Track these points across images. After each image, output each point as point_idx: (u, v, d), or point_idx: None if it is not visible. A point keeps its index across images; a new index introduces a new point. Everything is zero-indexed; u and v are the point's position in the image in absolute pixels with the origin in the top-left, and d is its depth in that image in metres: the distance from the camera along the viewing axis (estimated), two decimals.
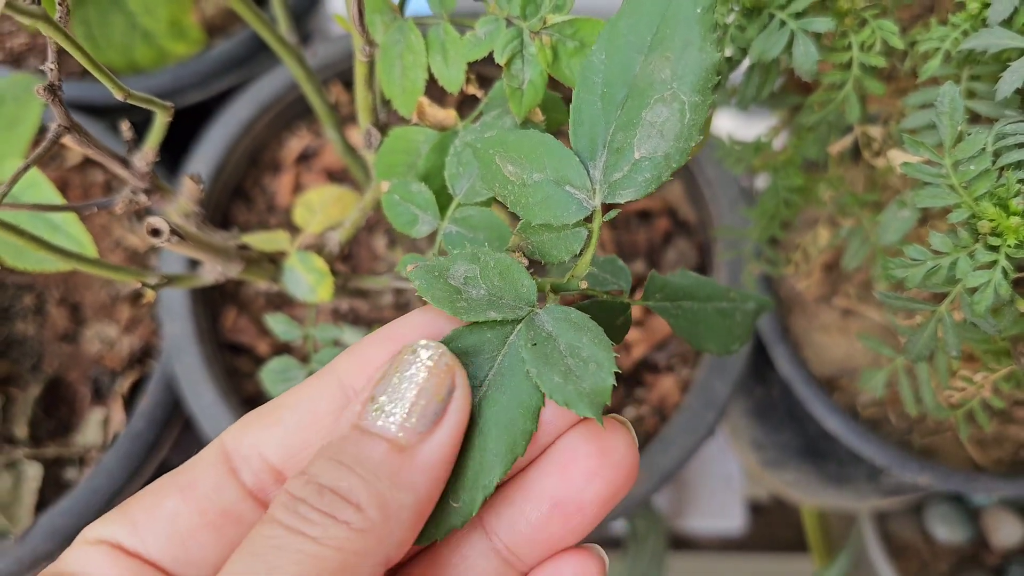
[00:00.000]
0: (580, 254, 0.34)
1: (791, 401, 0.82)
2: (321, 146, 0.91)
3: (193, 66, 0.92)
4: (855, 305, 0.79)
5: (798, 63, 0.45)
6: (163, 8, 0.93)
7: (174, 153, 0.87)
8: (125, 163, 0.48)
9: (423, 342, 0.31)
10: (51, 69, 0.40)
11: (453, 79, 0.40)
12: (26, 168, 0.41)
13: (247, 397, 0.78)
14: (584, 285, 0.34)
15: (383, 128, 0.47)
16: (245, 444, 0.33)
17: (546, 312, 0.32)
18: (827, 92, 0.49)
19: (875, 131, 0.54)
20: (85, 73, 0.37)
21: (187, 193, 0.48)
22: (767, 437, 1.00)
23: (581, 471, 0.31)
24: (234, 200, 0.88)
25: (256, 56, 0.94)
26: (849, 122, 0.50)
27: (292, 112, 0.90)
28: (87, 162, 0.90)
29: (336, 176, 0.89)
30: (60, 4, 0.38)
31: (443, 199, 0.40)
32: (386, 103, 0.47)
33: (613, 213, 0.32)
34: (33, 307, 0.84)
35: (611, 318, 0.36)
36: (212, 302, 0.81)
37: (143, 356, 0.83)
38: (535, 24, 0.37)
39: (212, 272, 0.50)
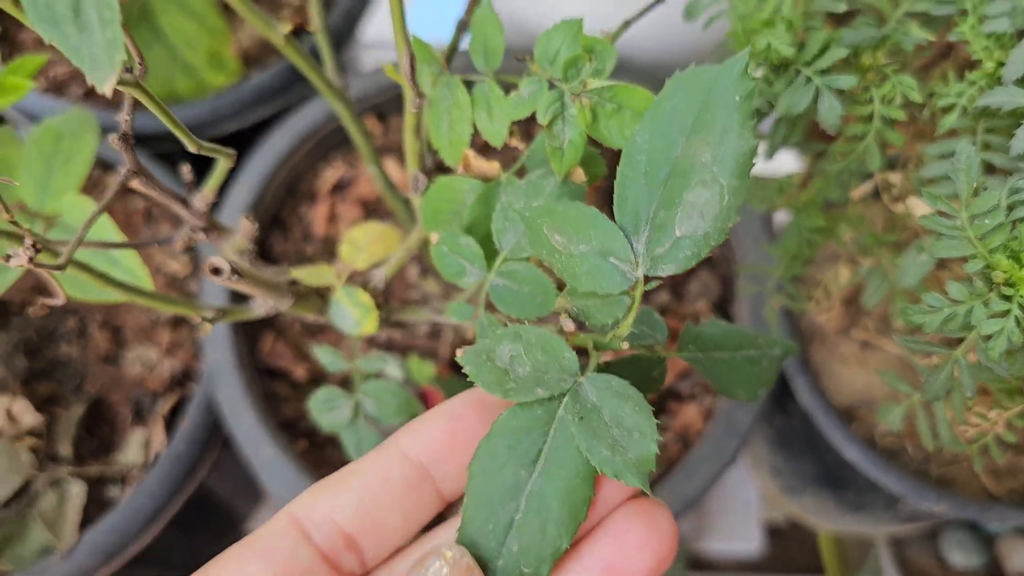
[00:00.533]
0: (622, 317, 0.36)
1: (811, 430, 0.83)
2: (356, 176, 0.94)
3: (230, 96, 0.94)
4: (874, 338, 0.81)
5: (823, 117, 0.47)
6: (203, 41, 0.96)
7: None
8: (185, 203, 0.50)
9: (447, 542, 0.34)
10: (125, 120, 0.43)
11: (497, 134, 0.42)
12: (99, 213, 0.44)
13: (284, 421, 0.81)
14: (625, 346, 0.36)
15: (429, 173, 0.50)
16: (315, 511, 0.35)
17: (589, 382, 0.34)
18: (849, 143, 0.51)
19: (895, 177, 0.57)
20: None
21: (243, 232, 0.51)
22: (787, 464, 1.02)
23: (633, 541, 0.34)
24: (272, 230, 0.91)
25: (291, 87, 0.97)
26: (870, 170, 0.52)
27: (328, 143, 0.93)
28: (127, 190, 0.93)
29: (370, 206, 0.92)
30: (140, 63, 0.41)
31: (487, 249, 0.42)
32: (432, 151, 0.50)
33: (654, 284, 0.34)
34: (76, 330, 0.87)
35: (648, 370, 0.39)
36: (251, 327, 0.84)
37: (183, 379, 0.85)
38: (576, 87, 0.39)
39: (263, 306, 0.52)
